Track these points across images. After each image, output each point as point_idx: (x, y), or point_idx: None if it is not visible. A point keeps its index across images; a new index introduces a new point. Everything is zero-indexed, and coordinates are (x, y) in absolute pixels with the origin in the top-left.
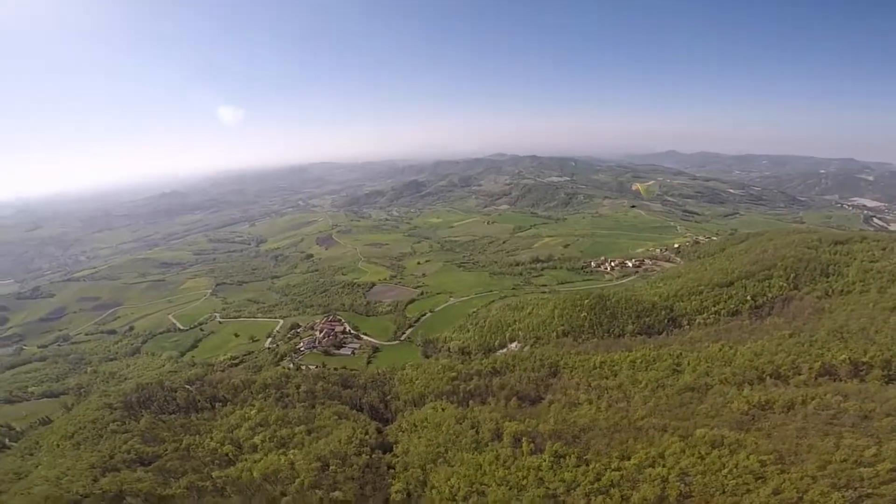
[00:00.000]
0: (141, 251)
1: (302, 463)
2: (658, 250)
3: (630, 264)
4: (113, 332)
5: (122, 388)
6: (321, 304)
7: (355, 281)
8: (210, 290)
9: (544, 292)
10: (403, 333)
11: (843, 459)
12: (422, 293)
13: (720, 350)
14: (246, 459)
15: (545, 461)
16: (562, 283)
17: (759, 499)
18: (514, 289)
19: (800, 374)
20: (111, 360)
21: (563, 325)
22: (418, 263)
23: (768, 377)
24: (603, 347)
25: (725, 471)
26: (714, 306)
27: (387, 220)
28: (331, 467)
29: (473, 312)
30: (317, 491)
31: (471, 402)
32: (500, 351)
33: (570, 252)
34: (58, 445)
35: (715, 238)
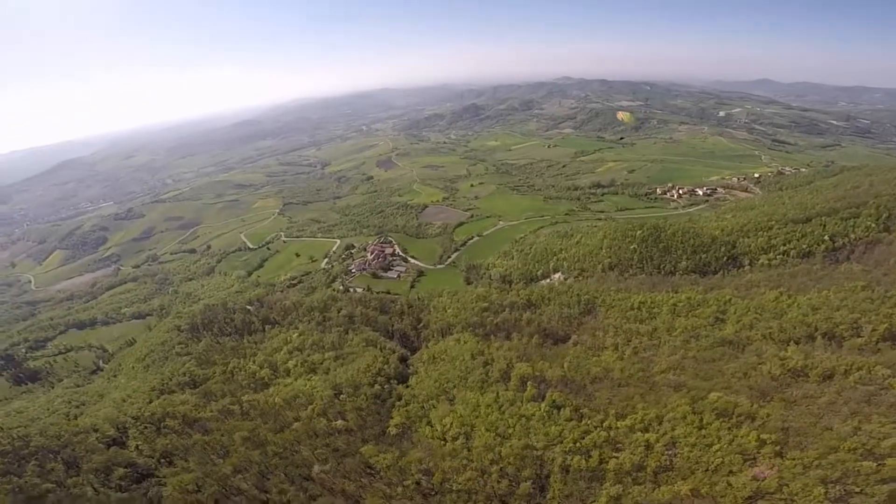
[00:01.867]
0: (218, 174)
1: (319, 390)
2: (735, 179)
3: (700, 192)
4: (193, 251)
5: (191, 310)
6: (376, 225)
7: (409, 202)
8: (278, 210)
9: (599, 219)
10: (449, 257)
11: (851, 448)
12: (472, 216)
13: (775, 299)
14: (278, 384)
15: (540, 410)
16: (621, 210)
17: (737, 483)
18: (567, 214)
19: (859, 337)
20: (190, 279)
21: (610, 257)
22: (472, 186)
23: (820, 336)
24: (648, 285)
25: (717, 446)
26: (783, 245)
27: (444, 142)
28: (342, 395)
29: (521, 238)
30: (322, 419)
31: (495, 336)
32: (543, 281)
33: (636, 178)
34: (132, 367)
35: (804, 170)
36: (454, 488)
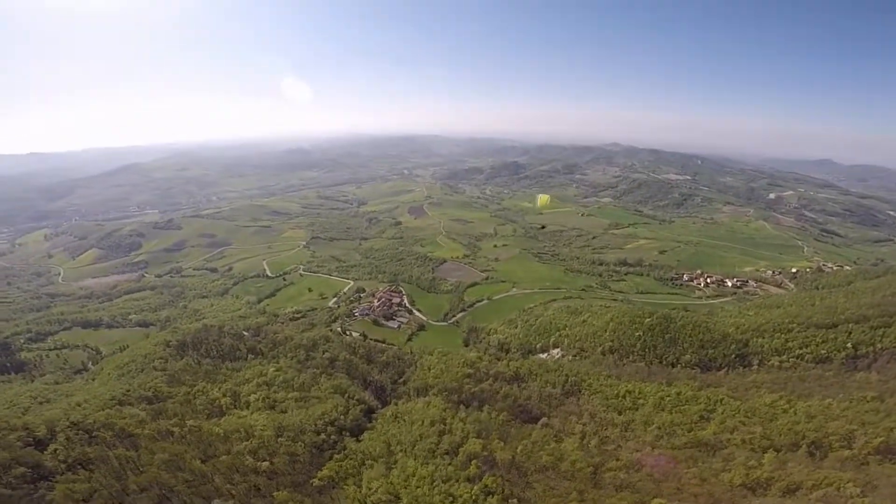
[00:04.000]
0: (259, 198)
1: (262, 428)
2: (770, 272)
3: (729, 284)
4: (215, 270)
5: (188, 328)
6: (392, 272)
7: (429, 254)
8: (304, 242)
9: (614, 299)
10: (454, 316)
11: None
12: (487, 278)
13: (771, 403)
14: (233, 414)
15: (471, 493)
16: (641, 293)
17: None
18: (584, 290)
19: (849, 449)
20: (203, 297)
21: (612, 340)
22: (495, 246)
23: (806, 446)
24: (643, 374)
25: None
26: (800, 349)
27: (478, 197)
28: (281, 438)
29: (529, 308)
30: (250, 456)
31: (467, 405)
32: (541, 355)
33: (665, 259)
34: (109, 374)
35: (848, 268)
36: None
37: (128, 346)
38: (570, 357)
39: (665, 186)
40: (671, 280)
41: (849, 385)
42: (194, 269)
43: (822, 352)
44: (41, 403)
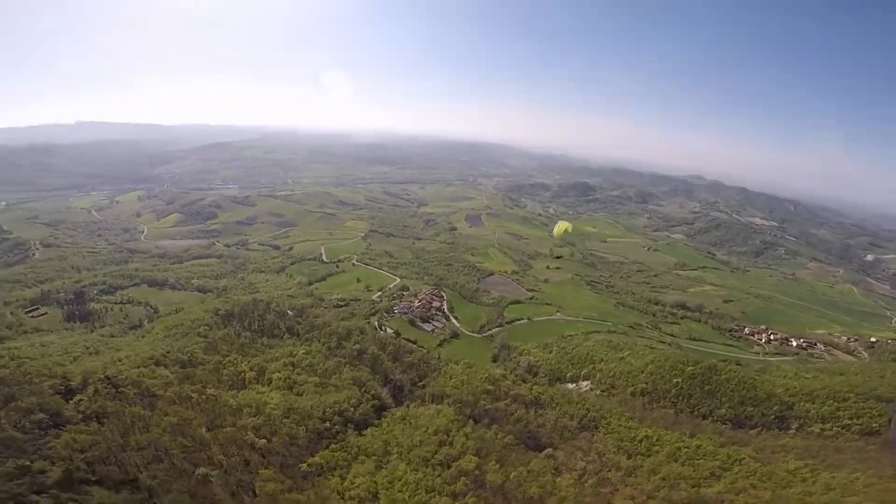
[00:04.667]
0: (331, 186)
1: (272, 407)
2: (844, 338)
3: (794, 343)
4: (277, 247)
5: (238, 299)
6: (438, 276)
7: (478, 264)
8: (362, 234)
9: (662, 342)
10: (489, 330)
11: None
12: (532, 298)
13: (792, 470)
14: (252, 389)
15: None
16: (693, 339)
17: None
18: (632, 327)
19: None
20: (261, 272)
21: (646, 382)
22: (547, 267)
23: None
24: (669, 422)
25: None
26: (849, 419)
27: (539, 215)
28: (285, 419)
29: (569, 336)
30: (251, 432)
31: (478, 421)
32: (569, 385)
33: (729, 309)
34: (157, 333)
35: None
36: None
37: (182, 309)
38: (599, 392)
39: (746, 231)
40: (730, 331)
41: (889, 461)
42: (259, 244)
43: (874, 425)
44: (90, 354)
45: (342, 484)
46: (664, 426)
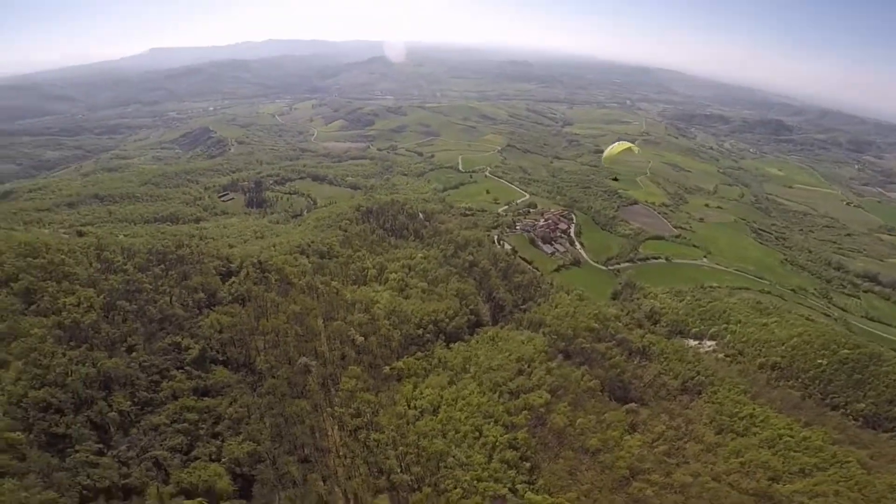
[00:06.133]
0: (474, 101)
1: (379, 306)
2: None
3: None
4: (420, 154)
5: (379, 198)
6: (571, 197)
7: (621, 190)
8: (499, 148)
9: (827, 314)
10: (617, 264)
11: None
12: (679, 236)
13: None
14: (370, 286)
15: (497, 438)
16: (870, 320)
17: None
18: (794, 291)
19: None
20: (404, 175)
21: (782, 356)
22: (706, 205)
23: None
24: (788, 404)
25: None
26: None
27: (710, 148)
28: (385, 320)
29: (709, 287)
30: (353, 329)
31: (569, 358)
32: (690, 341)
33: None
34: (309, 223)
35: None
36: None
37: (334, 203)
38: (722, 356)
39: None
40: None
41: None
42: (406, 150)
43: None
44: (256, 238)
45: (412, 392)
46: (778, 408)
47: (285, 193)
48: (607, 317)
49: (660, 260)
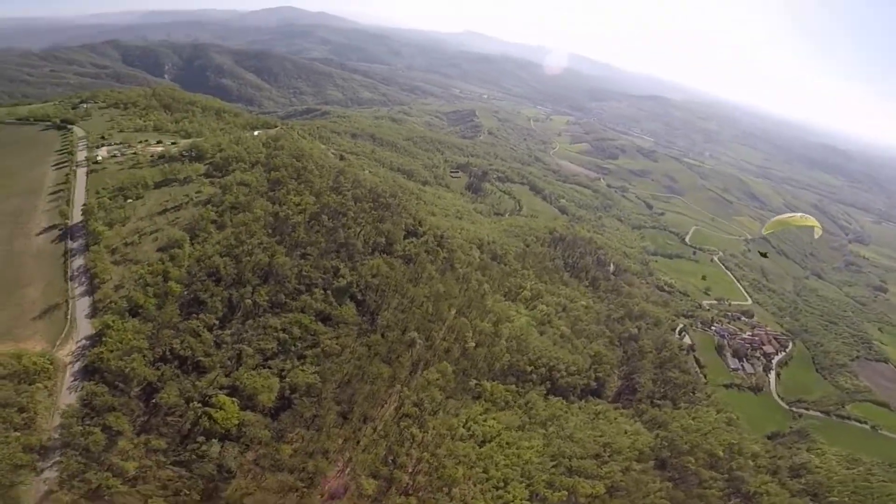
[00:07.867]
0: (749, 175)
1: (507, 328)
2: None
3: None
4: (650, 206)
5: (576, 231)
6: (802, 325)
7: (875, 341)
8: (749, 237)
9: None
10: (806, 409)
11: None
12: None
13: None
14: (516, 304)
15: None
16: None
17: None
18: None
19: None
20: (619, 220)
21: None
22: None
23: None
24: None
25: None
26: None
27: None
28: (507, 344)
29: None
30: (469, 334)
31: (657, 467)
32: None
33: None
34: (503, 225)
35: None
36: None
37: (535, 217)
38: None
39: None
40: None
41: None
42: (636, 197)
43: None
44: (456, 218)
45: (478, 415)
46: None
47: (501, 191)
48: (742, 451)
49: (863, 425)
